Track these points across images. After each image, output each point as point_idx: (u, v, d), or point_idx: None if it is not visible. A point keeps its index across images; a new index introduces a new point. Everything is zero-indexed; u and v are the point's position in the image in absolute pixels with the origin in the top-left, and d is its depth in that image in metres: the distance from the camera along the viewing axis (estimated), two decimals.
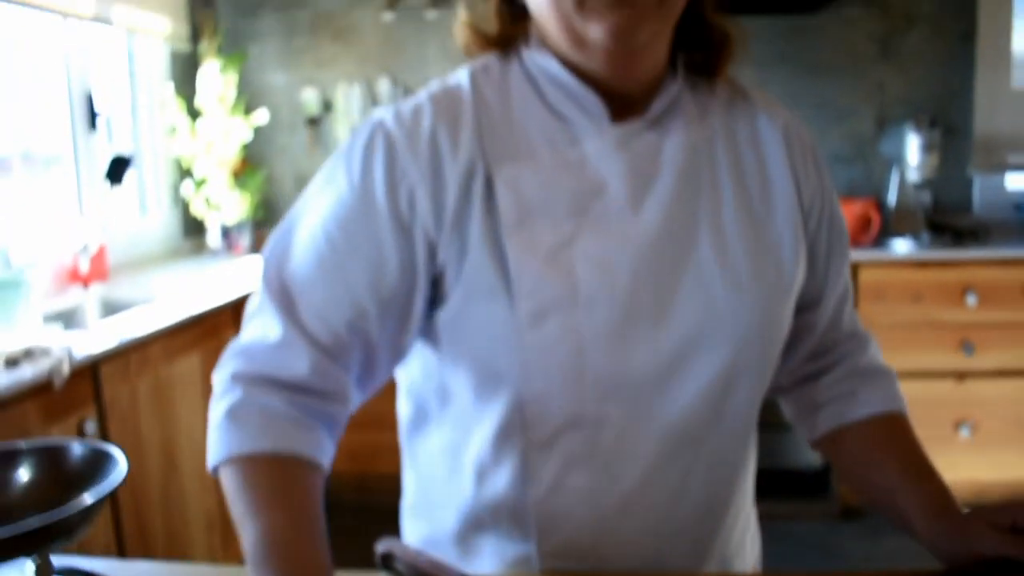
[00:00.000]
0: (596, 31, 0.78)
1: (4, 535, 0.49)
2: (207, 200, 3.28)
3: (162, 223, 3.34)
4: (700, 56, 0.89)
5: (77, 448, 0.60)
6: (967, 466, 2.96)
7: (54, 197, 2.79)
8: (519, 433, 0.83)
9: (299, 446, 0.78)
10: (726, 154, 0.87)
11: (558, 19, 0.80)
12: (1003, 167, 3.32)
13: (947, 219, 3.30)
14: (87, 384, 1.84)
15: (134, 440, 2.00)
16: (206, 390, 2.34)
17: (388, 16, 3.46)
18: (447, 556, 0.90)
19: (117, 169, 2.61)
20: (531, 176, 0.82)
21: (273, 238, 0.85)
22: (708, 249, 0.83)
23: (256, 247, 3.35)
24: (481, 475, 0.87)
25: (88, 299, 2.56)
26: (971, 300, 2.84)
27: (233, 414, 0.78)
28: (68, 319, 2.44)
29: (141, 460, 2.02)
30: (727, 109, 0.90)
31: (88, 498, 0.55)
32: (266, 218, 3.61)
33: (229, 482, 0.76)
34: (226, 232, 3.28)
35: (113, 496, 1.92)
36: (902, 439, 0.94)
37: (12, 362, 1.67)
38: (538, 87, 0.86)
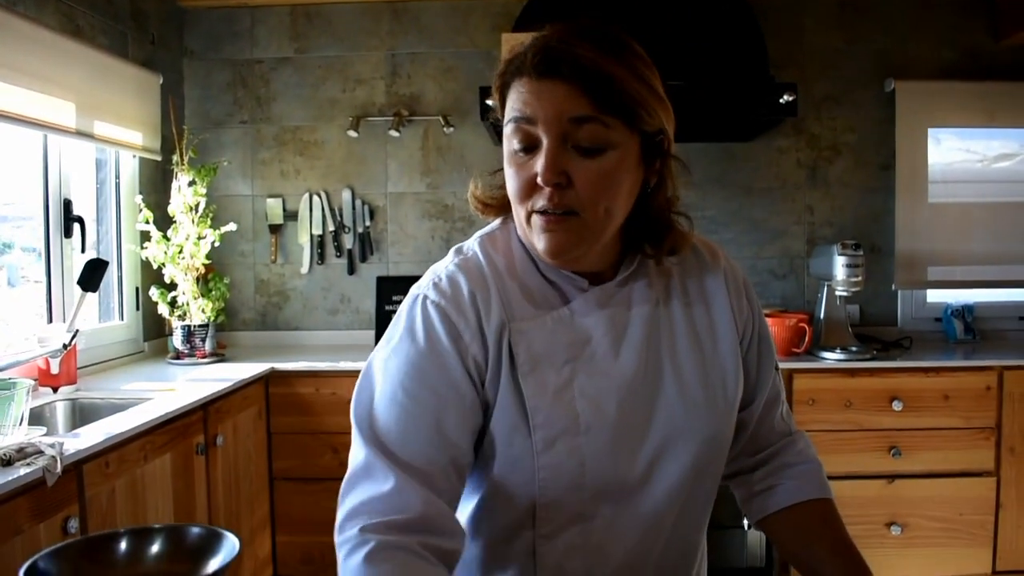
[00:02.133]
0: (540, 243, 1.00)
1: None
2: (173, 304, 3.36)
3: (126, 327, 3.40)
4: (652, 245, 1.10)
5: (195, 530, 0.72)
6: (899, 563, 3.13)
7: (26, 301, 2.85)
8: (529, 529, 1.04)
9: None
10: (680, 305, 1.11)
11: (520, 224, 1.03)
12: (923, 283, 3.63)
13: (874, 331, 3.58)
14: (72, 483, 1.90)
15: None
16: (175, 489, 2.39)
17: (352, 133, 3.67)
18: None
19: (93, 274, 2.69)
20: (537, 331, 1.03)
21: (356, 408, 1.01)
22: (671, 381, 1.06)
23: (217, 351, 3.43)
24: (491, 567, 1.08)
25: (59, 402, 2.61)
26: (897, 406, 3.06)
27: (371, 559, 0.90)
28: (37, 419, 2.47)
29: None
30: (680, 268, 1.13)
31: (212, 566, 0.66)
32: (227, 322, 3.70)
33: None
34: (189, 336, 3.35)
35: None
36: (828, 522, 1.14)
37: (7, 462, 1.73)
38: (534, 260, 1.07)
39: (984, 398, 3.08)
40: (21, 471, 1.71)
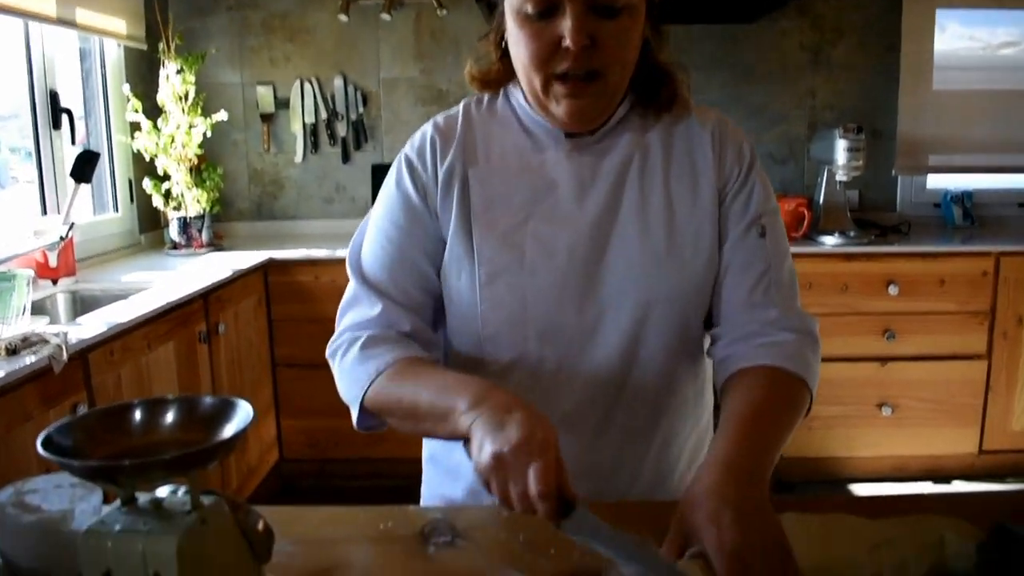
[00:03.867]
0: (558, 111, 1.03)
1: (176, 455, 0.63)
2: (167, 195, 3.33)
3: (121, 219, 3.38)
4: (649, 95, 1.11)
5: (209, 400, 0.73)
6: (888, 443, 3.22)
7: (20, 194, 2.82)
8: (482, 366, 1.09)
9: (424, 354, 1.06)
10: (660, 161, 1.09)
11: (530, 92, 1.05)
12: (924, 168, 3.60)
13: (872, 216, 3.57)
14: (78, 371, 1.92)
15: None
16: (180, 377, 2.43)
17: (343, 17, 3.55)
18: (439, 476, 1.20)
19: (84, 166, 2.65)
20: (497, 175, 1.09)
21: (350, 251, 1.16)
22: (633, 235, 1.06)
23: (215, 241, 3.41)
24: None
25: (59, 293, 2.61)
26: (893, 291, 3.08)
27: (366, 347, 1.05)
28: (40, 311, 2.48)
29: None
30: (669, 125, 1.12)
31: (227, 432, 0.67)
32: (223, 213, 3.68)
33: (385, 388, 1.01)
34: (185, 227, 3.33)
35: None
36: (751, 389, 0.98)
37: (12, 351, 1.74)
38: (516, 113, 1.13)
39: (980, 283, 3.10)
40: (27, 359, 1.72)
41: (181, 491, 0.71)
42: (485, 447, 0.81)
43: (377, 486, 3.21)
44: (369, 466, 3.21)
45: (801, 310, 1.10)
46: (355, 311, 1.11)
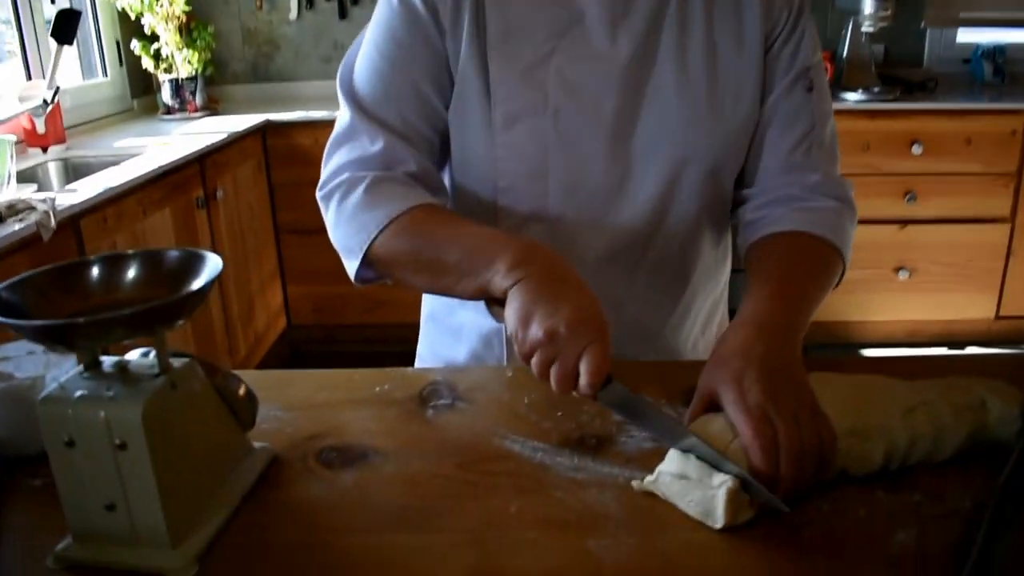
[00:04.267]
0: None
1: (135, 311, 0.56)
2: (157, 57, 3.18)
3: (111, 83, 3.24)
4: None
5: (174, 253, 0.65)
6: (904, 307, 3.17)
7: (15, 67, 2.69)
8: (492, 223, 0.97)
9: (436, 200, 0.91)
10: (703, 4, 0.94)
11: None
12: (955, 21, 3.39)
13: (898, 72, 3.39)
14: (70, 239, 1.86)
15: None
16: (180, 241, 2.36)
17: None
18: (439, 335, 1.12)
19: (65, 25, 2.51)
20: (519, 1, 0.93)
21: (341, 72, 0.99)
22: (670, 80, 0.93)
23: (210, 105, 3.29)
24: None
25: (50, 162, 2.52)
26: (917, 150, 2.95)
27: (371, 191, 0.90)
28: (31, 179, 2.40)
29: None
30: None
31: (195, 285, 0.60)
32: (217, 75, 3.53)
33: (398, 238, 0.87)
34: (178, 90, 3.20)
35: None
36: (784, 254, 0.91)
37: None
38: None
39: (1008, 143, 2.96)
40: (14, 227, 1.65)
41: (153, 355, 0.65)
42: (534, 320, 0.71)
43: (386, 352, 3.17)
44: (377, 331, 3.19)
45: (841, 176, 1.00)
46: (351, 146, 0.95)
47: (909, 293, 3.14)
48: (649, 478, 0.68)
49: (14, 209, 1.72)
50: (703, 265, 1.04)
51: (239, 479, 0.70)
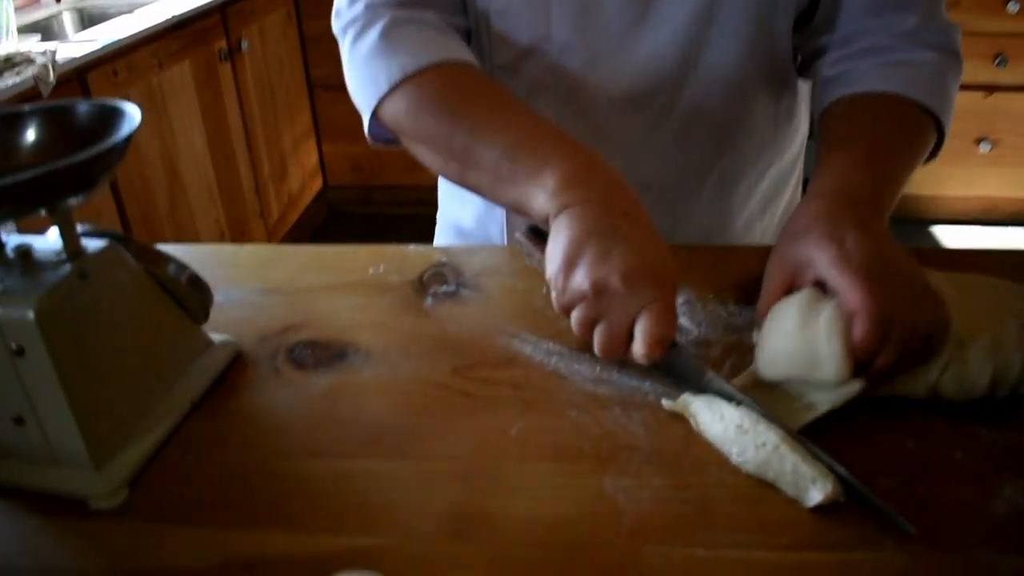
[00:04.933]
0: None
1: (23, 178, 0.43)
2: None
3: None
4: None
5: (84, 107, 0.52)
6: (982, 182, 2.92)
7: None
8: (487, 60, 0.81)
9: (468, 56, 0.74)
10: None
11: None
12: None
13: None
14: (76, 94, 1.72)
15: (134, 153, 1.92)
16: (201, 100, 2.22)
17: None
18: (449, 194, 0.98)
19: None
20: None
21: None
22: None
23: None
24: None
25: (64, 12, 2.37)
26: (1013, 8, 2.64)
27: (388, 36, 0.73)
28: (44, 32, 2.26)
29: (143, 173, 1.95)
30: None
31: (107, 143, 0.47)
32: None
33: (414, 101, 0.71)
34: None
35: (122, 215, 1.84)
36: (866, 120, 0.73)
37: None
38: None
39: None
40: (9, 81, 1.52)
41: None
42: (580, 264, 0.56)
43: (425, 214, 3.06)
44: (417, 192, 3.05)
45: (945, 17, 0.78)
46: None
47: (989, 167, 2.88)
48: (686, 398, 0.55)
49: (11, 62, 1.58)
50: (754, 125, 0.85)
51: (188, 383, 0.58)
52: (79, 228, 0.51)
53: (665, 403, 0.56)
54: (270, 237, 2.68)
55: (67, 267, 0.48)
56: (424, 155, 0.74)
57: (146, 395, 0.55)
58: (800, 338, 0.53)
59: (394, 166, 3.06)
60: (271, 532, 0.48)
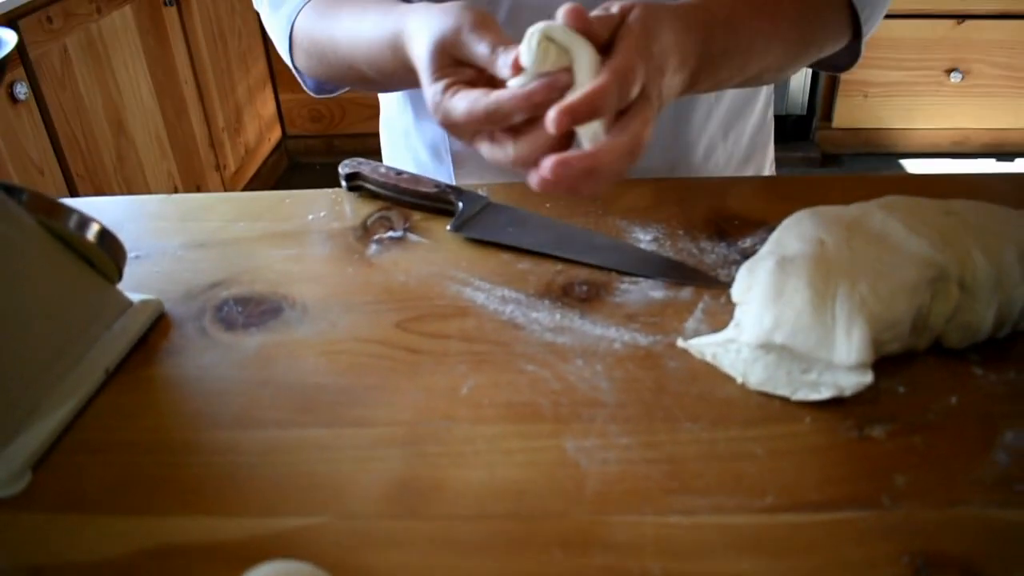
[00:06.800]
0: None
1: None
2: None
3: None
4: None
5: None
6: (952, 114, 2.88)
7: None
8: None
9: None
10: None
11: None
12: None
13: None
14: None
15: (75, 106, 1.81)
16: (146, 47, 2.11)
17: None
18: (393, 143, 0.93)
19: None
20: None
21: None
22: None
23: None
24: None
25: None
26: None
27: None
28: None
29: (86, 127, 1.85)
30: None
31: None
32: None
33: (310, 29, 0.70)
34: None
35: (66, 172, 1.74)
36: None
37: None
38: None
39: None
40: None
41: None
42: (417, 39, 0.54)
43: None
44: (378, 140, 2.95)
45: None
46: None
47: (959, 98, 2.84)
48: (710, 338, 0.50)
49: None
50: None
51: (102, 350, 0.52)
52: None
53: (680, 343, 0.51)
54: (228, 190, 2.59)
55: None
56: (338, 77, 0.72)
57: (51, 366, 0.48)
58: (813, 315, 0.46)
59: (356, 114, 2.96)
60: (193, 516, 0.42)
